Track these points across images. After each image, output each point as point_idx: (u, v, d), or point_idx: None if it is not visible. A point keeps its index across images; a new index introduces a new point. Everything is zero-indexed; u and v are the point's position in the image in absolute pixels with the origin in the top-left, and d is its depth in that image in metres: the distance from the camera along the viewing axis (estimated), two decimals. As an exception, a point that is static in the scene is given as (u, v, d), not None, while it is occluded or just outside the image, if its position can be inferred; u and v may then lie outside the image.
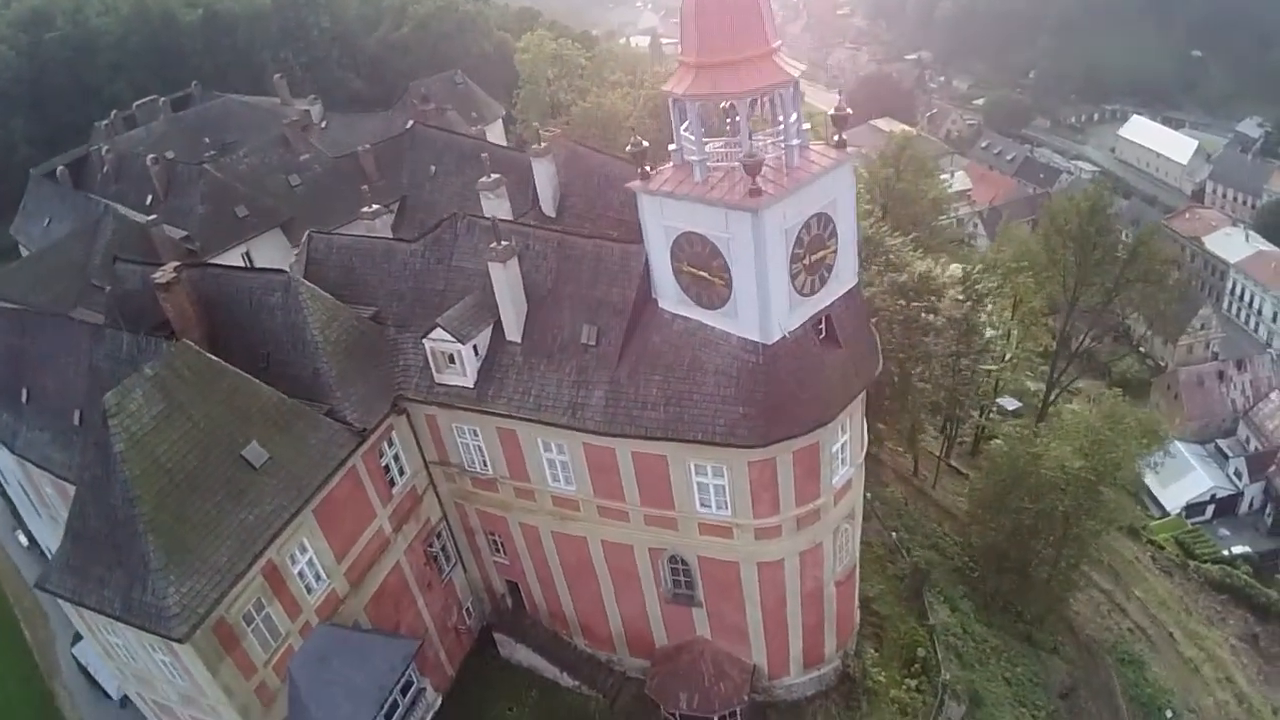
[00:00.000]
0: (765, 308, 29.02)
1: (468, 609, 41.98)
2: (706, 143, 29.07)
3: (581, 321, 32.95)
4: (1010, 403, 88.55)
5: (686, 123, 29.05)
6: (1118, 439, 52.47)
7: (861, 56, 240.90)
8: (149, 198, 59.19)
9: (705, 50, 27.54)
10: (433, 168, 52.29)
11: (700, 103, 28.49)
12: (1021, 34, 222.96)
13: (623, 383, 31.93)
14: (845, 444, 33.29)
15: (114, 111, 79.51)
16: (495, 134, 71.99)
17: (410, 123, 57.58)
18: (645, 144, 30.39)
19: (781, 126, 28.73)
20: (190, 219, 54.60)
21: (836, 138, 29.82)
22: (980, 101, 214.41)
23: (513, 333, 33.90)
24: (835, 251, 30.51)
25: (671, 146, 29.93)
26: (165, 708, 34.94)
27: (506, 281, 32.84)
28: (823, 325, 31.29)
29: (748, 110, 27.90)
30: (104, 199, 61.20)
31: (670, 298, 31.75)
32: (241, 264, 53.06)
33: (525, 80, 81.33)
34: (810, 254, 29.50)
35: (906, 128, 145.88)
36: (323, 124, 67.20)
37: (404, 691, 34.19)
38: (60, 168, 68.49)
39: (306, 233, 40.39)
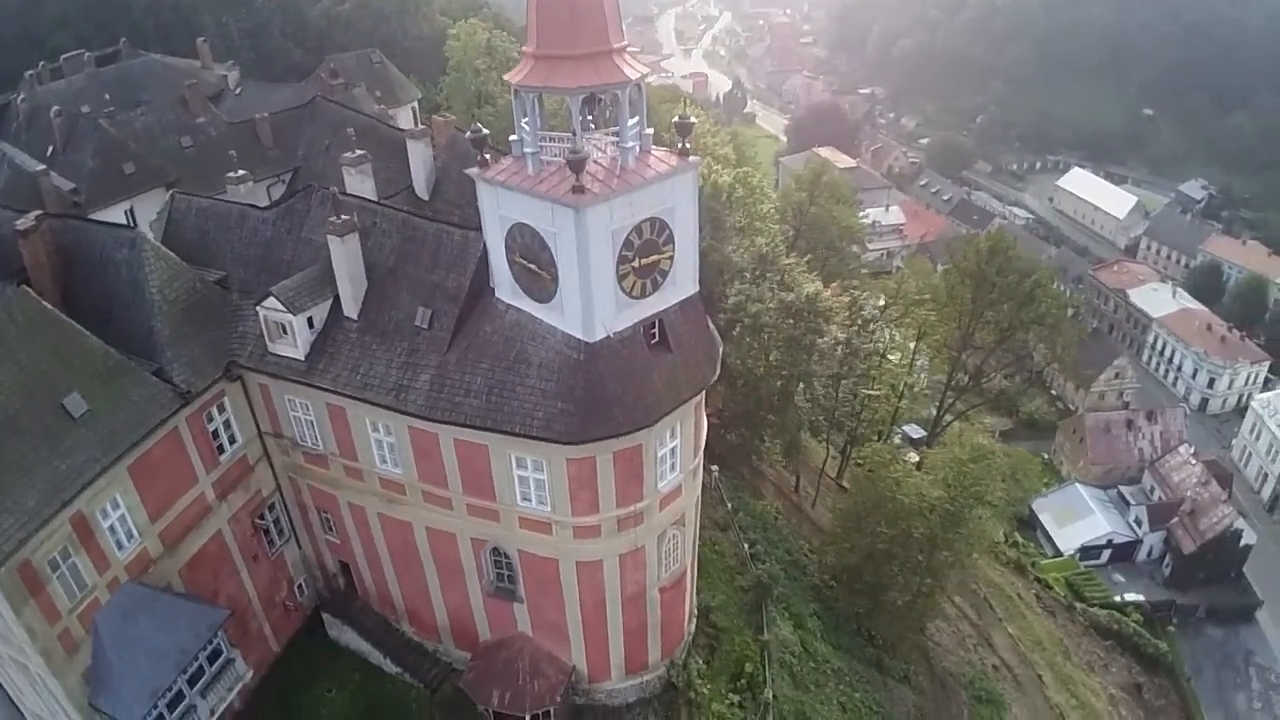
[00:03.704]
0: (589, 305, 28.93)
1: (300, 586, 41.33)
2: (543, 136, 29.12)
3: (418, 303, 32.77)
4: (916, 430, 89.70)
5: (527, 115, 29.11)
6: (981, 474, 53.21)
7: (817, 85, 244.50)
8: (50, 149, 58.40)
9: (543, 41, 27.54)
10: (327, 142, 52.20)
11: (537, 94, 28.56)
12: (975, 78, 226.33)
13: (450, 368, 31.76)
14: (675, 449, 33.13)
15: (41, 63, 78.36)
16: (406, 117, 71.45)
17: (314, 96, 57.36)
18: (485, 131, 30.43)
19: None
20: (81, 172, 53.98)
21: (680, 145, 29.99)
22: (925, 141, 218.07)
23: (350, 309, 33.66)
24: (671, 258, 30.50)
25: (512, 137, 29.90)
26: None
27: (345, 256, 32.63)
28: (655, 330, 31.26)
29: (579, 106, 27.97)
30: (12, 147, 60.51)
31: (505, 288, 31.67)
32: (123, 219, 52.28)
33: (452, 68, 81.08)
34: (641, 257, 29.45)
35: (847, 158, 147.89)
36: (237, 90, 66.43)
37: (211, 660, 33.84)
38: (-25, 115, 67.43)
39: (170, 192, 39.92)
